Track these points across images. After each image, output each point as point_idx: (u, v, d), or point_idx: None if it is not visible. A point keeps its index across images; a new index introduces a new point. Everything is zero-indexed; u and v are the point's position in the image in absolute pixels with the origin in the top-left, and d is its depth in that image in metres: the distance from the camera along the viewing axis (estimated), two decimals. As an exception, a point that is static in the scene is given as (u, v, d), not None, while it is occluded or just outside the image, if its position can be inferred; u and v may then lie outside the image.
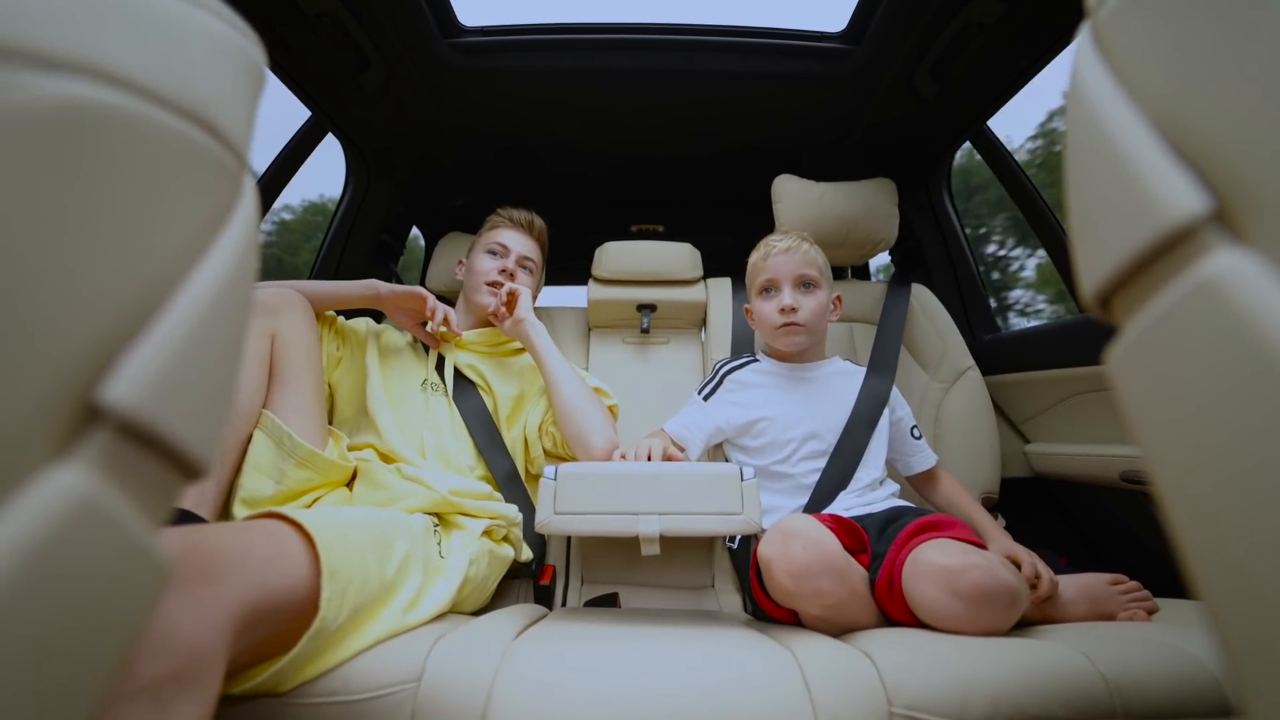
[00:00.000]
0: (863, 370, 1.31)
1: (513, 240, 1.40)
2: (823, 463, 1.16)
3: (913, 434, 1.27)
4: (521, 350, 1.37)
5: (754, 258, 1.30)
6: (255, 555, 0.56)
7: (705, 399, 1.28)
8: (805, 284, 1.22)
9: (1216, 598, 0.25)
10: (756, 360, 1.32)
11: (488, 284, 1.33)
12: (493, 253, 1.38)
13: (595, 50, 1.42)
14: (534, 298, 1.44)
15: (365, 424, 1.18)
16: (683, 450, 1.21)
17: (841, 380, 1.27)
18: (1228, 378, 0.23)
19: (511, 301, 1.28)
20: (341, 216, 1.76)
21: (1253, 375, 0.22)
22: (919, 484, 1.28)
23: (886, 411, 1.23)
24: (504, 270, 1.35)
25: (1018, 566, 0.93)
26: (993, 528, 1.12)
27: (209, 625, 0.47)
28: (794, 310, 1.19)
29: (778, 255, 1.23)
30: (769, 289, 1.25)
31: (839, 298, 1.31)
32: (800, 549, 0.80)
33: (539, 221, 1.48)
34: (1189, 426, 0.25)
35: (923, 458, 1.26)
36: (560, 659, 0.69)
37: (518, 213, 1.45)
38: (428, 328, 1.27)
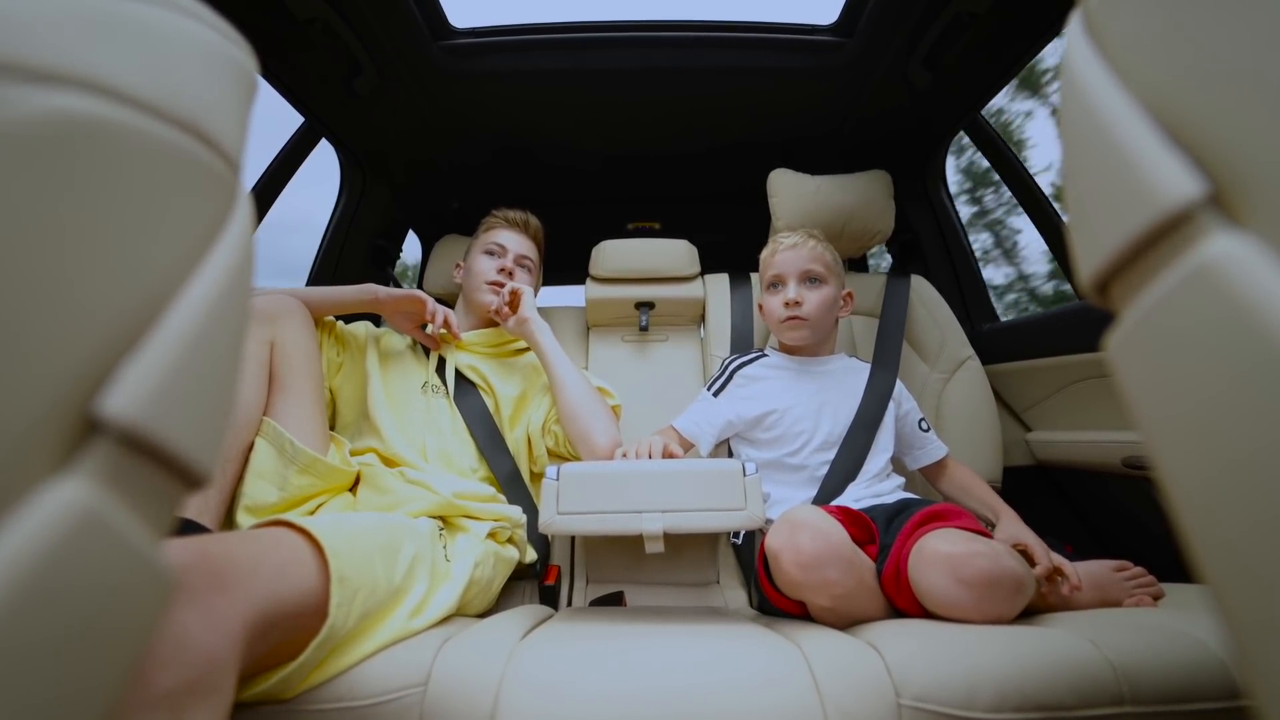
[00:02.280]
0: (868, 365, 1.32)
1: (510, 240, 1.41)
2: (833, 454, 1.17)
3: (921, 426, 1.28)
4: (523, 350, 1.37)
5: (763, 254, 1.33)
6: (266, 564, 0.56)
7: (715, 395, 1.29)
8: (811, 279, 1.24)
9: (1221, 581, 0.25)
10: (765, 355, 1.33)
11: (488, 284, 1.34)
12: (491, 253, 1.39)
13: (587, 49, 1.42)
14: (534, 296, 1.44)
15: (367, 428, 1.18)
16: (690, 447, 1.22)
17: (849, 375, 1.29)
18: (1226, 361, 0.23)
19: (515, 300, 1.28)
20: (337, 222, 1.76)
21: (1251, 358, 0.22)
22: (931, 475, 1.28)
23: (892, 404, 1.24)
24: (503, 270, 1.36)
25: (1027, 556, 0.93)
26: (1006, 512, 1.12)
27: (223, 634, 0.47)
28: (798, 304, 1.22)
29: (784, 251, 1.26)
30: (776, 284, 1.27)
31: (850, 294, 1.31)
32: (808, 540, 0.80)
33: (534, 221, 1.48)
34: (1189, 410, 0.25)
35: (933, 449, 1.26)
36: (567, 659, 0.69)
37: (513, 213, 1.46)
38: (427, 330, 1.27)
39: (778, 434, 1.21)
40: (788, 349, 1.31)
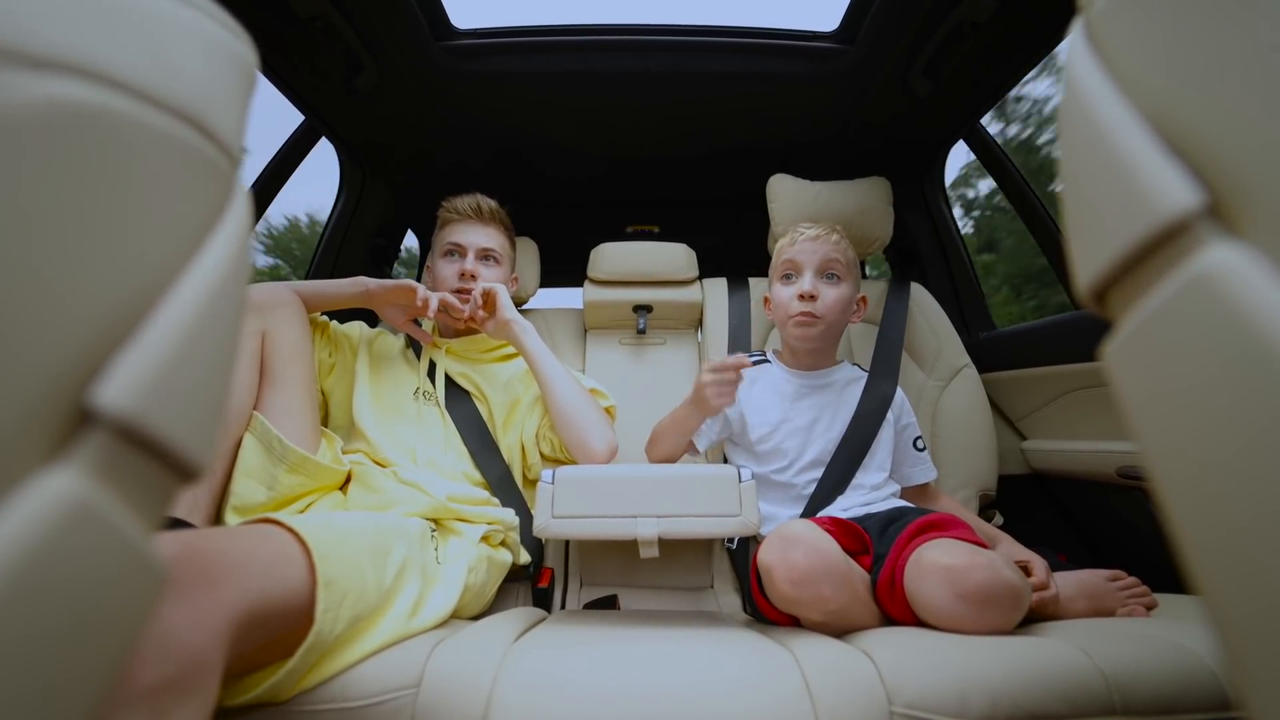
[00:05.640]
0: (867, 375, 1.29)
1: (465, 234, 1.29)
2: (820, 472, 1.14)
3: (916, 445, 1.24)
4: (511, 355, 1.32)
5: (780, 244, 1.25)
6: (254, 561, 0.55)
7: None
8: (829, 274, 1.16)
9: (1214, 591, 0.25)
10: (767, 361, 1.28)
11: (454, 292, 1.24)
12: (450, 254, 1.29)
13: (588, 51, 1.42)
14: (511, 285, 1.36)
15: (356, 432, 1.15)
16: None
17: (850, 388, 1.24)
18: (1223, 370, 0.23)
19: (490, 301, 1.20)
20: (336, 221, 1.76)
21: (1247, 368, 0.22)
22: (913, 498, 1.23)
23: (891, 416, 1.21)
24: (464, 274, 1.26)
25: (1025, 570, 0.91)
26: (998, 535, 1.11)
27: (207, 632, 0.47)
28: (813, 298, 1.14)
29: (804, 241, 1.19)
30: (790, 274, 1.20)
31: (863, 299, 1.25)
32: (801, 556, 0.78)
33: (488, 203, 1.33)
34: (1185, 419, 0.25)
35: (922, 470, 1.23)
36: (560, 662, 0.68)
37: (462, 201, 1.32)
38: (422, 325, 1.24)
39: (768, 449, 1.18)
40: (789, 356, 1.27)
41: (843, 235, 1.22)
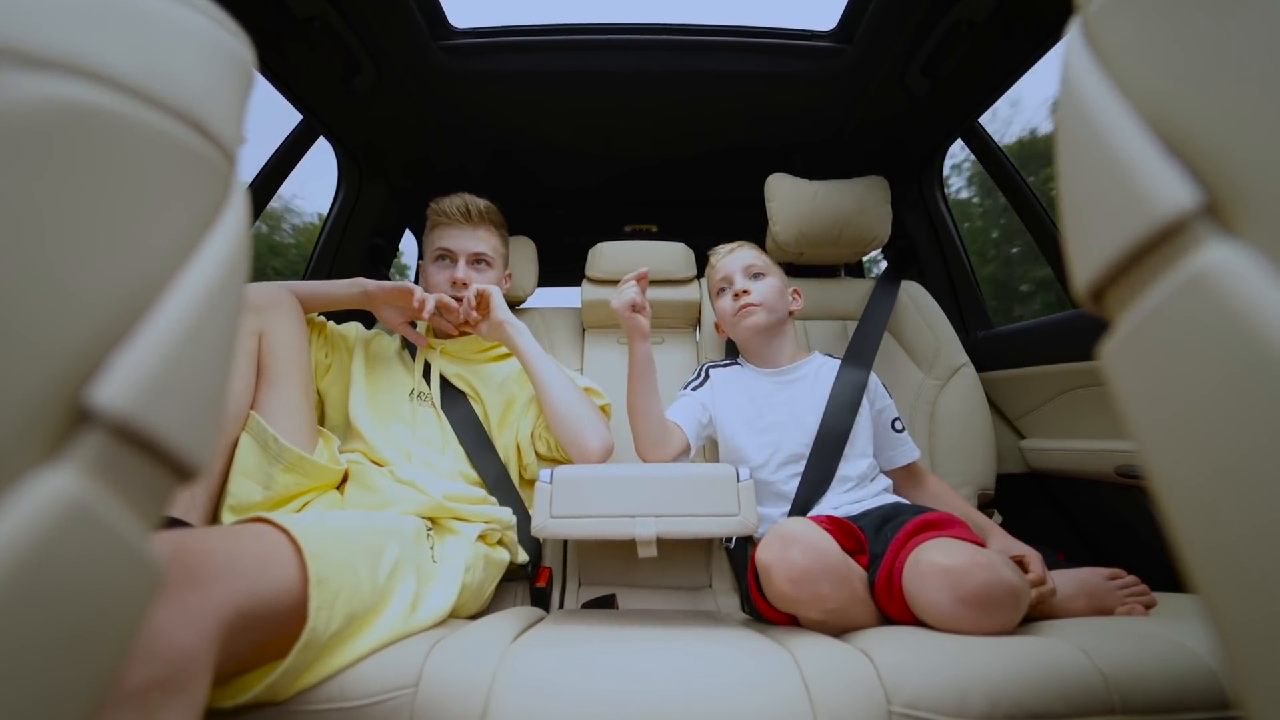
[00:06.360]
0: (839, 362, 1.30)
1: (455, 239, 1.26)
2: (802, 467, 1.15)
3: (894, 426, 1.25)
4: (505, 356, 1.31)
5: (707, 271, 1.40)
6: (244, 560, 0.55)
7: (693, 392, 1.29)
8: (755, 274, 1.29)
9: (1213, 589, 0.25)
10: (738, 364, 1.34)
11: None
12: (441, 258, 1.27)
13: (586, 51, 1.42)
14: (504, 282, 1.36)
15: (352, 433, 1.15)
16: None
17: (821, 377, 1.26)
18: (1220, 370, 0.23)
19: (484, 303, 1.19)
20: (334, 220, 1.75)
21: (1245, 367, 0.22)
22: (900, 481, 1.24)
23: (866, 402, 1.22)
24: (456, 281, 1.24)
25: (1022, 565, 0.92)
26: (990, 526, 1.11)
27: (196, 631, 0.46)
28: (746, 293, 1.26)
29: (724, 258, 1.34)
30: (724, 287, 1.32)
31: (797, 291, 1.35)
32: (800, 554, 0.78)
33: (476, 204, 1.29)
34: (1183, 419, 0.25)
35: (904, 451, 1.24)
36: (558, 661, 0.68)
37: (450, 203, 1.28)
38: (417, 328, 1.24)
39: (735, 445, 1.20)
40: (753, 356, 1.32)
41: (753, 245, 1.38)
